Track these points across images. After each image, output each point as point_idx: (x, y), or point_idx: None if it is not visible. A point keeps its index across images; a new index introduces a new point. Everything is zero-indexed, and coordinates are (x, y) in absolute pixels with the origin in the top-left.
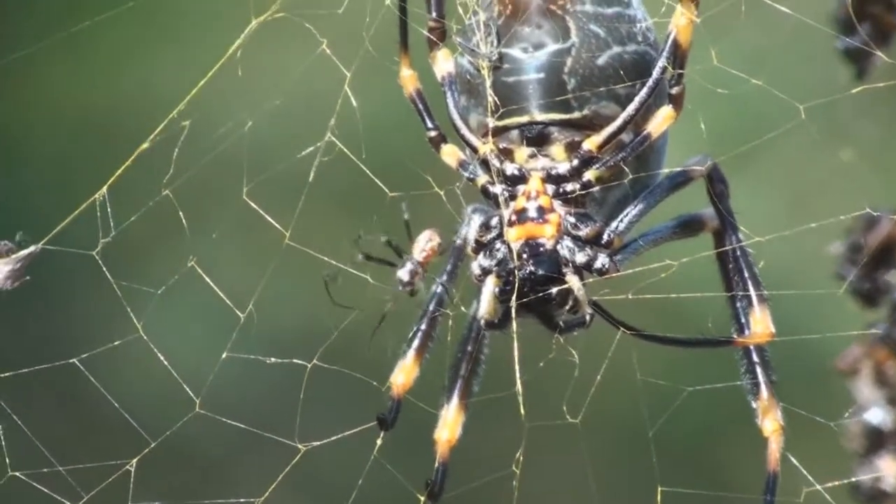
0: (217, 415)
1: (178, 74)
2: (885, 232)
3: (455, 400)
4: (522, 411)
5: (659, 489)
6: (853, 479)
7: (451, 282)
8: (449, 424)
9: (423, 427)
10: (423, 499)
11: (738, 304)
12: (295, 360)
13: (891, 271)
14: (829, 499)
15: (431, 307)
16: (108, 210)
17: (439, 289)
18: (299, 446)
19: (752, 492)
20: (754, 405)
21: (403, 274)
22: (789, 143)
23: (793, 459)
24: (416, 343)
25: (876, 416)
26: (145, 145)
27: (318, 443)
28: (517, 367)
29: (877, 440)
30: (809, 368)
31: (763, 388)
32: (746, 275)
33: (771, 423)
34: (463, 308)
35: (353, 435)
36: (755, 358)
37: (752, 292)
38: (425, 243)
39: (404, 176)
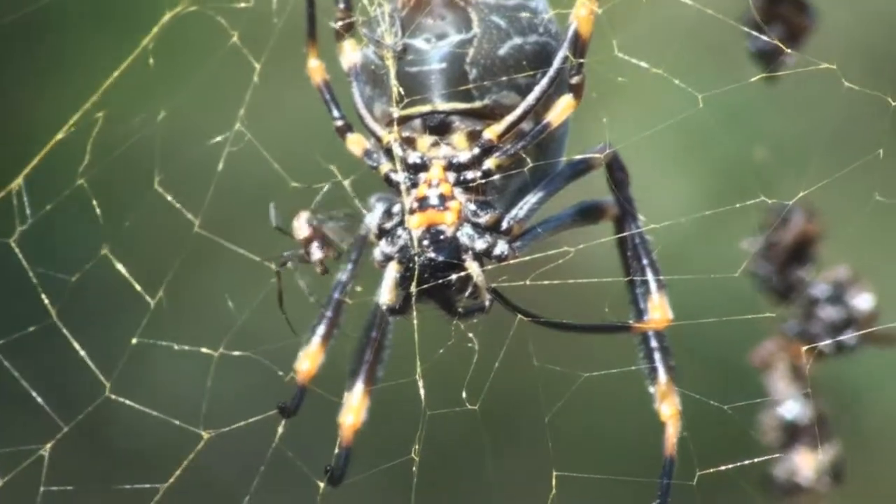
0: (126, 399)
1: (92, 68)
2: (797, 229)
3: (360, 384)
4: (423, 398)
5: (554, 474)
6: (746, 462)
7: (355, 269)
8: (354, 409)
9: (326, 415)
10: (322, 485)
11: (637, 290)
12: (203, 350)
13: (804, 267)
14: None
15: (336, 294)
16: (25, 200)
17: (343, 276)
18: (203, 433)
19: (648, 476)
20: (652, 390)
21: (314, 255)
22: (694, 134)
23: (691, 444)
24: (320, 330)
25: (792, 410)
26: (60, 135)
27: (223, 430)
28: (417, 354)
29: (792, 434)
30: (711, 356)
31: (661, 373)
32: (645, 261)
33: (668, 407)
34: (366, 295)
35: (258, 422)
36: (653, 343)
37: (651, 278)
38: (303, 224)
39: (311, 168)
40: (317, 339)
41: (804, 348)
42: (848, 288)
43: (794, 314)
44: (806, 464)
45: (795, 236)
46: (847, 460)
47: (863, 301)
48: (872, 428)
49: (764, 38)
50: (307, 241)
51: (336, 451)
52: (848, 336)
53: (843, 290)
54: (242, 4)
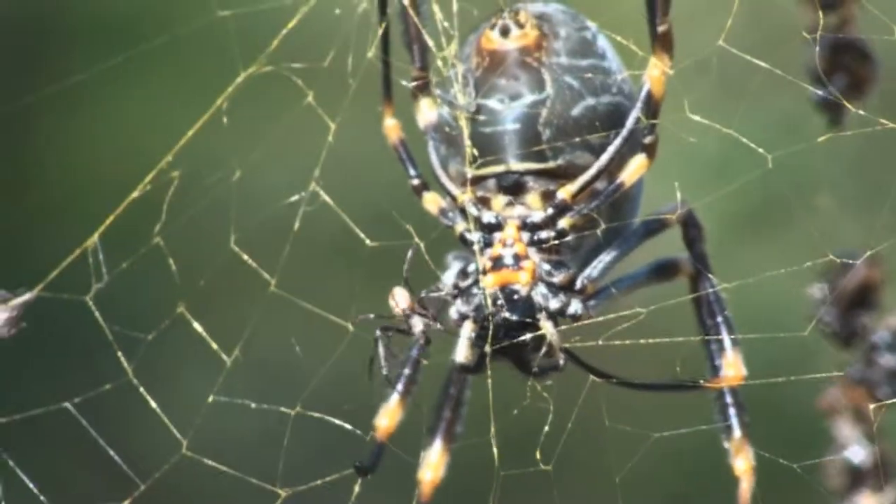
0: (203, 458)
1: (167, 127)
2: (860, 275)
3: (439, 441)
4: (496, 458)
5: None
6: None
7: (433, 328)
8: (432, 465)
9: (403, 474)
10: None
11: (712, 348)
12: (280, 408)
13: (867, 314)
14: None
15: (415, 352)
16: (101, 257)
17: (421, 334)
18: (280, 492)
19: None
20: (726, 445)
21: (415, 327)
22: (763, 192)
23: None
24: (399, 387)
25: (857, 454)
26: (135, 194)
27: (300, 488)
28: (491, 413)
29: (856, 478)
30: (781, 412)
31: (735, 428)
32: (719, 319)
33: (743, 462)
34: (444, 353)
35: (334, 482)
36: (728, 400)
37: (725, 336)
38: (401, 297)
39: (386, 227)
40: (396, 397)
41: (867, 397)
42: None
43: (856, 360)
44: None
45: (858, 282)
46: None
47: None
48: None
49: (825, 91)
50: (408, 314)
51: None
52: None
53: None
54: (318, 64)
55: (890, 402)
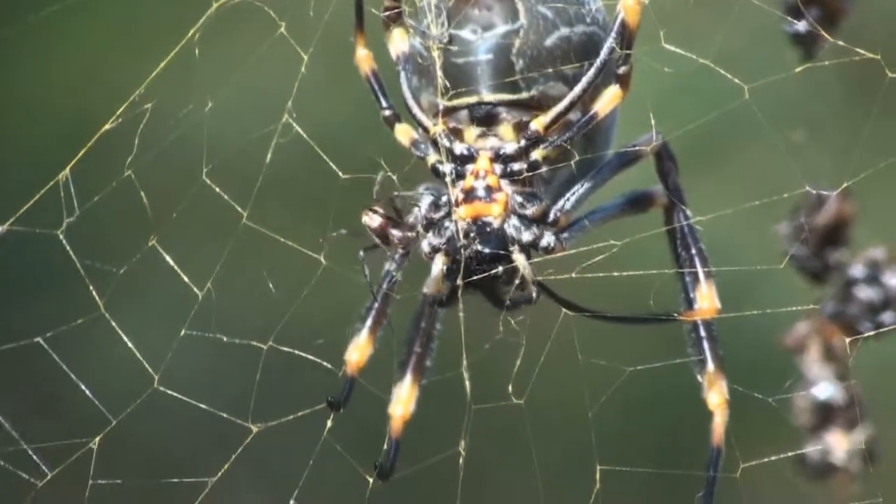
0: (175, 392)
1: (139, 59)
2: (833, 210)
3: (409, 376)
4: (468, 392)
5: (598, 468)
6: (790, 454)
7: (403, 260)
8: (403, 400)
9: (374, 409)
10: (371, 479)
11: (686, 280)
12: (252, 343)
13: (840, 250)
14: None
15: (384, 285)
16: (72, 191)
17: (391, 266)
18: (252, 427)
19: (693, 468)
20: (700, 379)
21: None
22: (737, 124)
23: (734, 434)
24: (369, 321)
25: (825, 390)
26: (107, 127)
27: (270, 423)
28: (463, 347)
29: (825, 415)
30: (752, 345)
31: (709, 362)
32: (693, 251)
33: (717, 396)
34: (414, 287)
35: (306, 416)
36: (702, 333)
37: (699, 268)
38: (373, 216)
39: (361, 159)
40: (365, 331)
41: (840, 331)
42: (885, 269)
43: (831, 296)
44: (840, 444)
45: (830, 218)
46: (880, 442)
47: None
48: None
49: (800, 22)
50: (382, 229)
51: (385, 445)
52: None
53: (880, 271)
54: None
55: (868, 335)
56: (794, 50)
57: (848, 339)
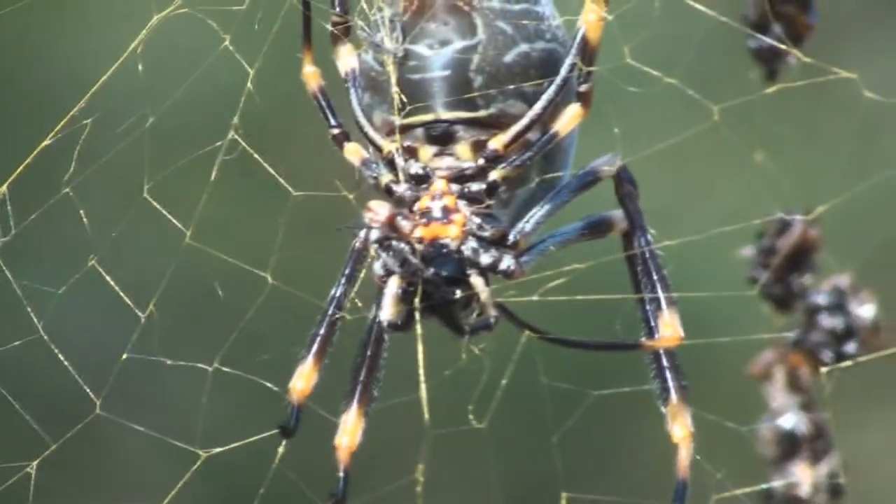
0: (118, 417)
1: (78, 73)
2: (797, 235)
3: (354, 405)
4: (426, 416)
5: (563, 496)
6: (763, 487)
7: (350, 284)
8: (349, 430)
9: (330, 435)
10: None
11: (647, 307)
12: (197, 365)
13: (804, 275)
14: None
15: (330, 310)
16: (9, 209)
17: (337, 291)
18: (200, 452)
19: (661, 499)
20: (664, 410)
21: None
22: (703, 144)
23: (705, 465)
24: (314, 348)
25: (789, 421)
26: (46, 142)
27: (219, 449)
28: (421, 371)
29: (791, 446)
30: (720, 373)
31: (672, 393)
32: (655, 277)
33: (681, 428)
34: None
35: (256, 441)
36: (664, 362)
37: (661, 295)
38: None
39: (311, 175)
40: (310, 359)
41: (807, 361)
42: (850, 297)
43: (793, 323)
44: (805, 476)
45: (795, 243)
46: (846, 474)
47: (865, 311)
48: (877, 440)
49: (765, 38)
50: (390, 221)
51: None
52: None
53: (845, 299)
54: (235, 7)
55: (834, 367)
56: (758, 67)
57: (823, 370)
